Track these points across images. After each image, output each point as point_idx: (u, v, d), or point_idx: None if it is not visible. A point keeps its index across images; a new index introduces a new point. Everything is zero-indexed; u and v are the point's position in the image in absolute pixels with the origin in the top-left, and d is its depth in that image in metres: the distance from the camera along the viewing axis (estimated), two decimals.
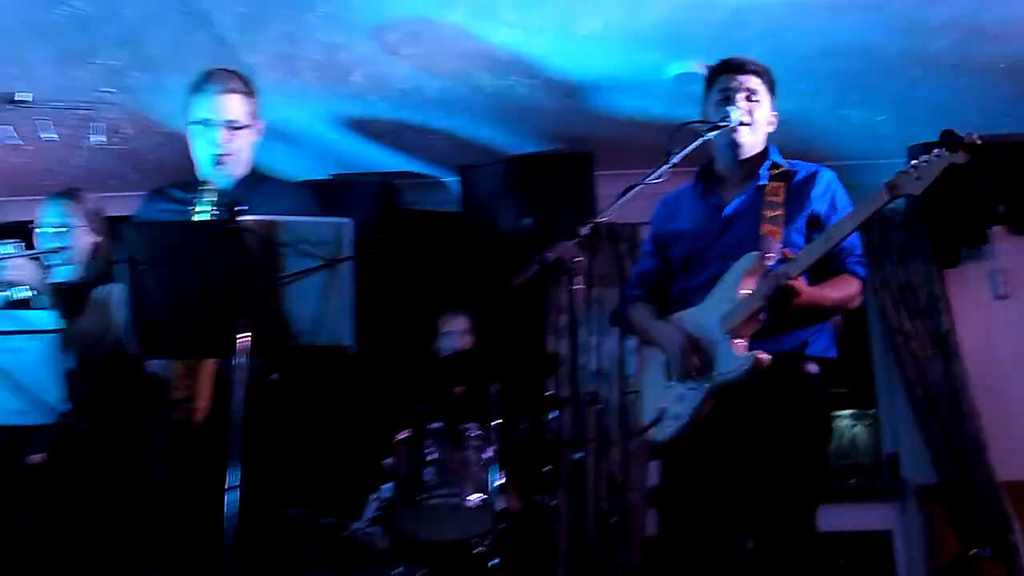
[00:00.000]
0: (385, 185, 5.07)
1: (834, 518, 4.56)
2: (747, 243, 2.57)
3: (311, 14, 3.66)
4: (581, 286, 2.46)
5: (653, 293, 2.85)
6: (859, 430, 5.24)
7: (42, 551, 2.81)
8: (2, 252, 3.09)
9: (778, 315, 2.45)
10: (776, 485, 2.45)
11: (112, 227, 3.49)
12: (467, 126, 4.64)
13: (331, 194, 4.86)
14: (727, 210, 2.68)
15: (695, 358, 2.53)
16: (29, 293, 3.13)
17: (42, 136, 4.52)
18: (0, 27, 3.72)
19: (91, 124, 4.53)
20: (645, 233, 3.06)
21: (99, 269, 3.38)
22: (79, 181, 4.65)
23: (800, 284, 2.40)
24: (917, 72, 4.07)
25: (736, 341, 2.48)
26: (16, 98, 4.24)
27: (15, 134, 4.51)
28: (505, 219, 4.77)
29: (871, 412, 5.14)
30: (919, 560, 4.67)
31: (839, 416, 5.19)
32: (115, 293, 3.17)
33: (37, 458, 2.67)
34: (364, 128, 4.66)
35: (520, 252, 4.39)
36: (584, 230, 2.38)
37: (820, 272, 2.54)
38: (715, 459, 2.53)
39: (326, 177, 5.10)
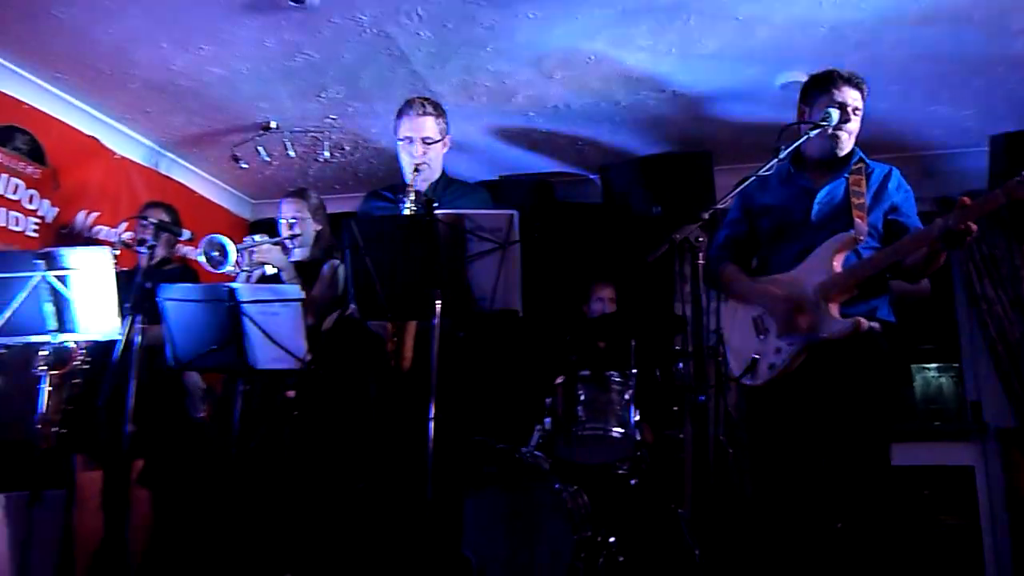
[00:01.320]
0: (542, 183, 5.04)
1: (922, 454, 4.42)
2: (836, 223, 2.48)
3: (483, 50, 3.68)
4: (703, 260, 2.39)
5: (737, 257, 2.73)
6: (944, 380, 4.89)
7: (295, 460, 2.97)
8: (256, 240, 3.23)
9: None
10: (853, 422, 2.35)
11: (332, 220, 3.62)
12: (607, 134, 4.56)
13: (500, 191, 4.87)
14: (820, 195, 2.56)
15: (802, 317, 2.43)
16: (274, 270, 3.27)
17: (289, 154, 4.70)
18: (257, 73, 3.91)
19: (320, 144, 4.70)
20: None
21: (323, 250, 3.49)
22: (312, 187, 4.87)
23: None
24: (999, 71, 3.71)
25: (833, 306, 2.39)
26: (269, 125, 4.47)
27: (266, 153, 4.73)
28: (638, 208, 4.67)
29: (955, 365, 4.78)
30: (999, 492, 4.33)
31: (926, 368, 4.88)
32: (338, 269, 3.35)
33: (290, 394, 2.77)
34: (525, 138, 4.66)
35: (651, 234, 4.31)
36: (705, 215, 2.30)
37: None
38: (800, 400, 2.44)
39: (495, 178, 5.12)
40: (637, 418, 3.36)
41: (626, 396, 3.41)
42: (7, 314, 2.78)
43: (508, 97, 4.14)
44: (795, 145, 2.44)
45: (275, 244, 3.27)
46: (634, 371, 3.41)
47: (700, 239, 2.29)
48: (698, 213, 2.30)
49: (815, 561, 2.39)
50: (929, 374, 4.91)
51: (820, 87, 2.59)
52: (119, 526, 3.32)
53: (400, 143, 2.88)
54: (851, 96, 2.53)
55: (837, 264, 2.42)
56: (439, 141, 2.88)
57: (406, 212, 2.68)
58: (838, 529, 2.75)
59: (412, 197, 2.73)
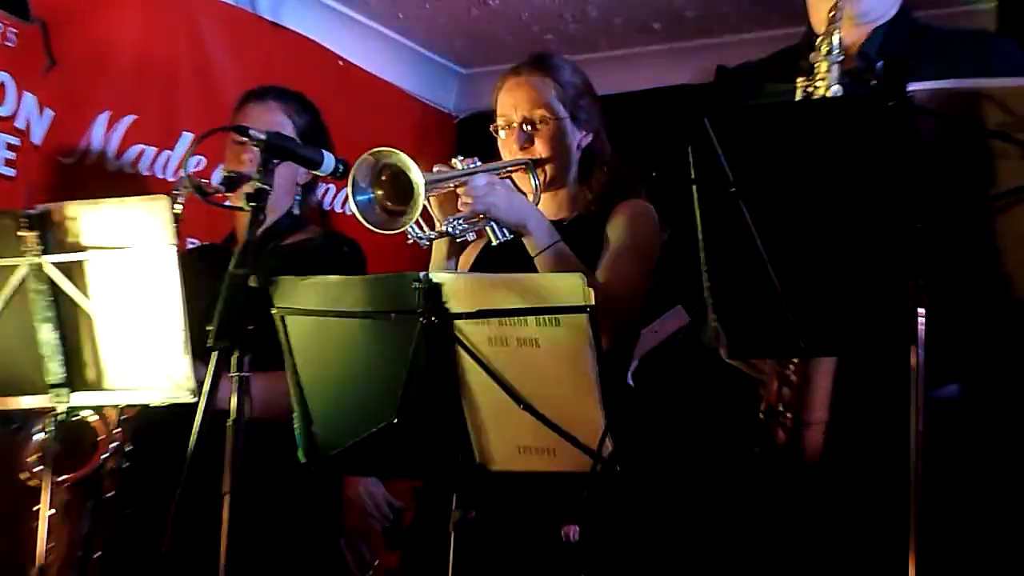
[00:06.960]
0: None
1: None
2: None
3: None
4: None
5: None
6: None
7: None
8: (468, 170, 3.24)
9: None
10: None
11: (603, 110, 3.59)
12: None
13: None
14: None
15: None
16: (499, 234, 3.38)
17: None
18: None
19: None
20: None
21: (605, 192, 3.51)
22: (571, 44, 5.00)
23: None
24: None
25: None
26: None
27: None
28: None
29: None
30: None
31: None
32: (650, 230, 3.39)
33: (572, 531, 2.67)
34: None
35: None
36: None
37: None
38: None
39: None
40: None
41: None
42: None
43: None
44: None
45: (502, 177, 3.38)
46: None
47: None
48: None
49: None
50: None
51: None
52: None
53: None
54: None
55: None
56: None
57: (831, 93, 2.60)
58: None
59: (837, 62, 2.61)
